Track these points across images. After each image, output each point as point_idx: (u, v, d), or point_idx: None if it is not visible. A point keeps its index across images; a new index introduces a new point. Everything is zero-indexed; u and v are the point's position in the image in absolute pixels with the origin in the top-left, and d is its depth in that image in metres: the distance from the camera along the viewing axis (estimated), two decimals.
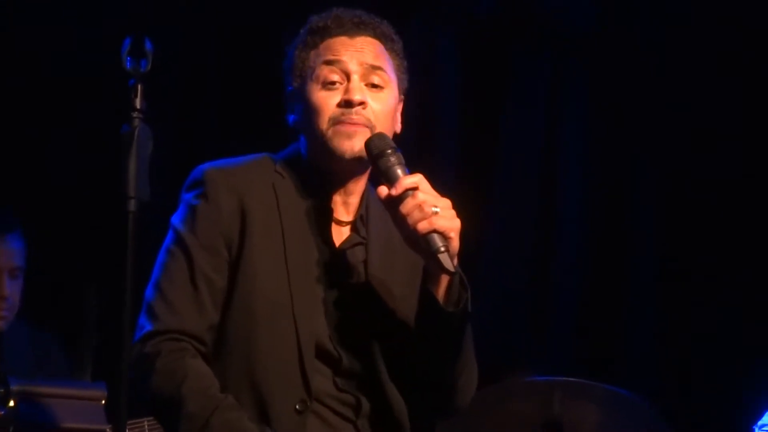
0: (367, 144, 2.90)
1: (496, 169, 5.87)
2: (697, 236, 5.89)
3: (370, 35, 3.03)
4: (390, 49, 3.04)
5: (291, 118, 3.04)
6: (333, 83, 2.96)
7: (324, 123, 2.93)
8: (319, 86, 2.96)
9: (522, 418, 3.98)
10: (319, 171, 2.99)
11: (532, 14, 5.91)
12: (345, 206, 3.02)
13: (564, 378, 4.04)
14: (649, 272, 5.98)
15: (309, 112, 2.96)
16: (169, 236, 2.94)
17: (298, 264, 2.91)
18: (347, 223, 3.02)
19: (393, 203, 2.83)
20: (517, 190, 5.86)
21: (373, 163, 2.89)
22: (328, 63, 2.97)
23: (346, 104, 2.93)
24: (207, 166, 2.98)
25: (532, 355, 5.75)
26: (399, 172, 2.85)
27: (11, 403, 3.33)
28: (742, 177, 5.87)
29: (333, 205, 3.00)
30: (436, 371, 2.96)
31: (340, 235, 3.00)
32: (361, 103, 2.94)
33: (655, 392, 4.92)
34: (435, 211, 2.80)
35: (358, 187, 3.02)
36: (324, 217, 2.99)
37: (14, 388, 3.35)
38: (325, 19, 3.03)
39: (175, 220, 2.95)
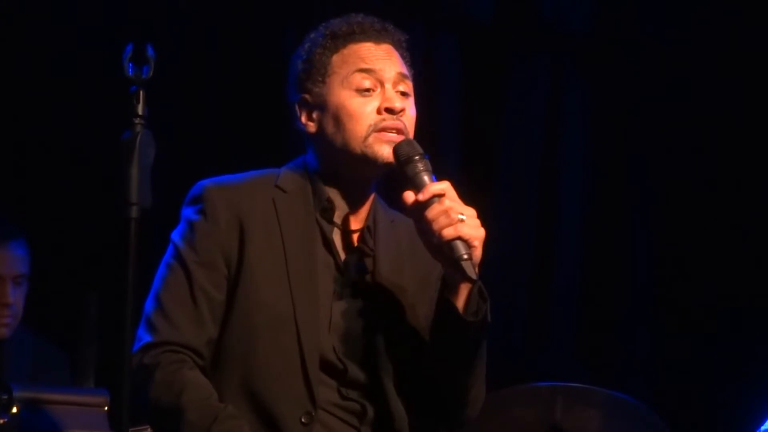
0: (396, 149, 2.91)
1: (497, 171, 5.87)
2: (698, 237, 5.89)
3: (390, 43, 3.04)
4: (405, 57, 3.06)
5: (302, 124, 3.02)
6: (368, 90, 2.96)
7: (363, 129, 2.93)
8: (353, 92, 2.96)
9: (523, 424, 3.98)
10: (332, 179, 3.00)
11: (532, 16, 5.91)
12: (352, 216, 3.02)
13: (565, 383, 4.04)
14: (649, 274, 5.98)
15: (342, 118, 2.95)
16: (169, 251, 2.95)
17: (300, 277, 2.91)
18: (353, 233, 3.01)
19: (418, 208, 2.84)
20: (518, 194, 5.86)
21: (401, 168, 2.89)
22: (362, 70, 2.97)
23: (388, 111, 2.94)
24: (207, 182, 2.98)
25: (532, 360, 5.74)
26: (426, 178, 2.86)
27: (14, 410, 3.32)
28: (741, 177, 5.88)
29: (339, 216, 3.00)
30: (449, 382, 2.96)
31: (347, 245, 3.00)
32: (401, 110, 2.95)
33: (657, 397, 4.92)
34: (461, 219, 2.80)
35: (368, 197, 3.03)
36: (329, 229, 2.98)
37: (17, 394, 3.34)
38: (347, 24, 3.03)
39: (175, 235, 2.96)
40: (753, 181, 5.89)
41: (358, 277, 2.99)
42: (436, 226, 2.81)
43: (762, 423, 3.88)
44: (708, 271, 5.85)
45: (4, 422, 3.31)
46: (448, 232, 2.80)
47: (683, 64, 5.95)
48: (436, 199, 2.83)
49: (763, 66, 5.85)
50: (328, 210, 2.99)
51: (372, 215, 3.04)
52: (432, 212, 2.82)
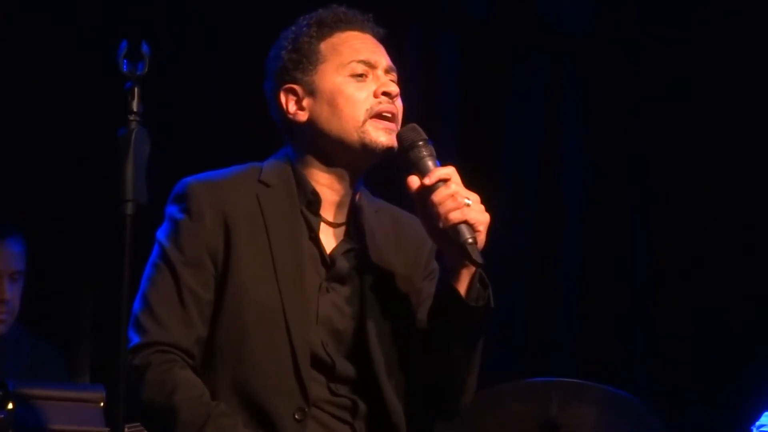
0: (400, 135, 2.92)
1: (497, 171, 5.87)
2: (697, 237, 5.89)
3: (371, 33, 3.06)
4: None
5: (289, 114, 3.00)
6: (362, 75, 2.98)
7: (360, 113, 2.94)
8: (348, 78, 2.97)
9: (519, 419, 3.97)
10: (320, 170, 2.99)
11: (532, 16, 5.91)
12: (338, 208, 3.01)
13: (561, 379, 4.04)
14: (647, 272, 5.98)
15: (338, 102, 2.96)
16: (155, 251, 2.94)
17: (287, 272, 2.90)
18: (339, 225, 3.01)
19: (424, 193, 2.84)
20: (518, 193, 5.86)
21: (405, 153, 2.90)
22: (355, 56, 2.98)
23: (385, 95, 2.96)
24: (190, 180, 2.97)
25: (531, 359, 5.74)
26: (430, 163, 2.87)
27: (10, 406, 3.33)
28: (741, 177, 5.88)
29: (325, 208, 2.99)
30: (447, 371, 2.95)
31: (332, 238, 3.00)
32: (397, 95, 2.98)
33: (653, 393, 4.92)
34: (467, 203, 2.81)
35: (355, 188, 3.02)
36: (314, 221, 2.97)
37: (13, 390, 3.35)
38: (333, 13, 3.04)
39: (160, 234, 2.94)
40: (753, 181, 5.89)
41: (345, 270, 2.97)
42: (442, 210, 2.81)
43: (757, 419, 3.88)
44: (708, 270, 5.85)
45: (0, 419, 3.32)
46: (455, 216, 2.81)
47: (683, 64, 5.95)
48: (441, 183, 2.84)
49: (763, 66, 5.85)
50: (313, 203, 2.98)
51: (358, 207, 3.03)
52: (438, 196, 2.82)
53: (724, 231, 5.87)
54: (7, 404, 3.33)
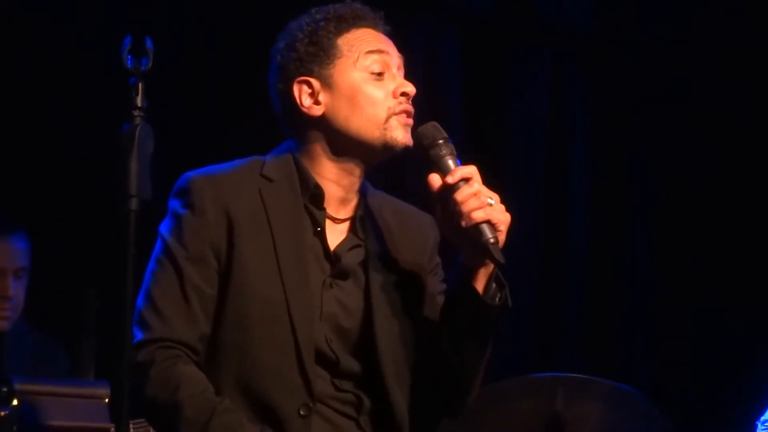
0: (421, 132, 2.91)
1: (499, 171, 5.87)
2: (697, 237, 5.90)
3: (382, 31, 3.05)
4: None
5: (303, 107, 2.97)
6: (379, 74, 2.96)
7: (383, 113, 2.93)
8: (367, 75, 2.96)
9: (525, 415, 3.95)
10: (327, 164, 2.97)
11: (533, 15, 5.92)
12: (342, 203, 2.99)
13: (567, 374, 4.03)
14: (647, 272, 5.98)
15: (359, 101, 2.94)
16: (158, 246, 2.92)
17: (290, 267, 2.88)
18: (344, 221, 3.00)
19: (445, 191, 2.83)
20: (520, 193, 5.85)
21: (425, 151, 2.89)
22: (373, 52, 2.97)
23: (404, 95, 2.95)
24: (192, 174, 2.95)
25: (532, 355, 5.74)
26: (451, 162, 2.86)
27: (14, 402, 3.32)
28: (741, 177, 5.89)
29: (329, 203, 2.97)
30: (456, 368, 2.95)
31: (337, 234, 2.98)
32: (413, 95, 2.97)
33: (653, 393, 4.92)
34: (490, 202, 2.81)
35: (359, 184, 3.01)
36: (320, 216, 2.96)
37: (17, 387, 3.34)
38: (351, 9, 3.03)
39: (163, 229, 2.93)
40: (753, 181, 5.89)
41: (350, 266, 2.96)
42: (465, 209, 2.80)
43: (763, 412, 3.88)
44: (708, 270, 5.86)
45: (4, 415, 3.31)
46: (478, 215, 2.80)
47: (683, 64, 5.96)
48: (463, 182, 2.83)
49: (763, 66, 5.86)
50: (317, 197, 2.96)
51: (363, 202, 3.02)
52: (461, 195, 2.81)
53: (724, 231, 5.87)
54: (11, 400, 3.33)
